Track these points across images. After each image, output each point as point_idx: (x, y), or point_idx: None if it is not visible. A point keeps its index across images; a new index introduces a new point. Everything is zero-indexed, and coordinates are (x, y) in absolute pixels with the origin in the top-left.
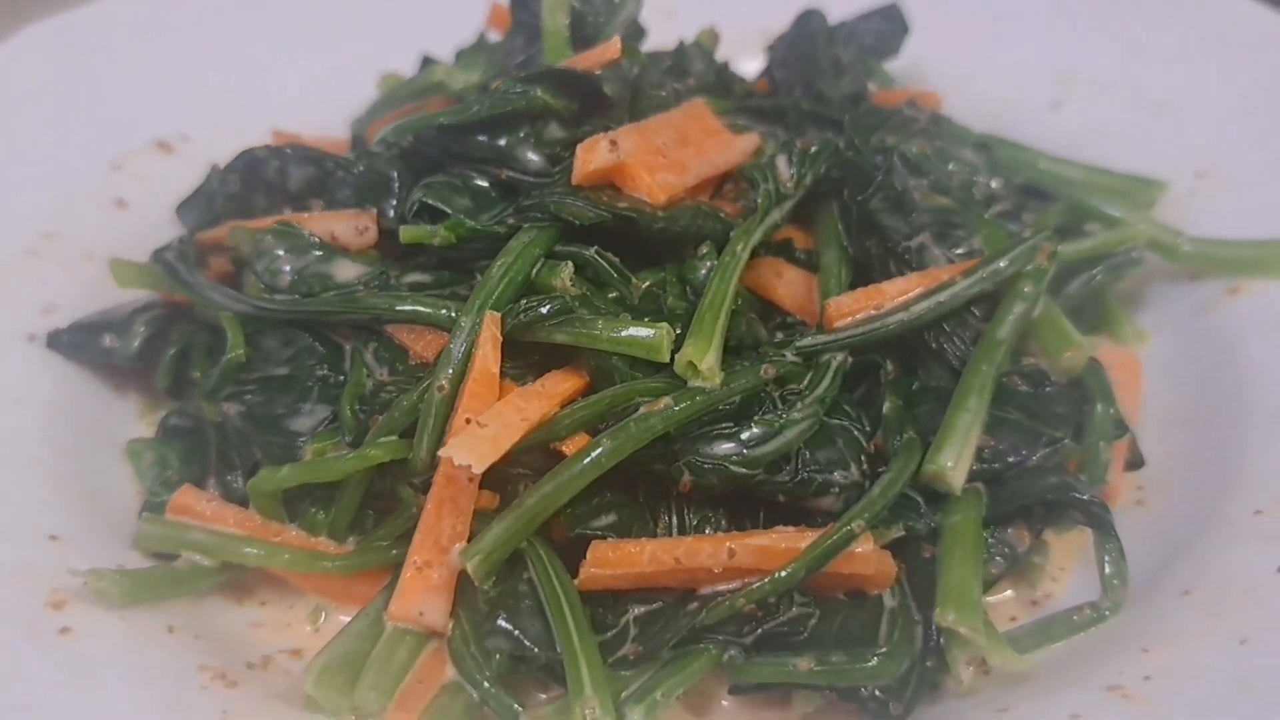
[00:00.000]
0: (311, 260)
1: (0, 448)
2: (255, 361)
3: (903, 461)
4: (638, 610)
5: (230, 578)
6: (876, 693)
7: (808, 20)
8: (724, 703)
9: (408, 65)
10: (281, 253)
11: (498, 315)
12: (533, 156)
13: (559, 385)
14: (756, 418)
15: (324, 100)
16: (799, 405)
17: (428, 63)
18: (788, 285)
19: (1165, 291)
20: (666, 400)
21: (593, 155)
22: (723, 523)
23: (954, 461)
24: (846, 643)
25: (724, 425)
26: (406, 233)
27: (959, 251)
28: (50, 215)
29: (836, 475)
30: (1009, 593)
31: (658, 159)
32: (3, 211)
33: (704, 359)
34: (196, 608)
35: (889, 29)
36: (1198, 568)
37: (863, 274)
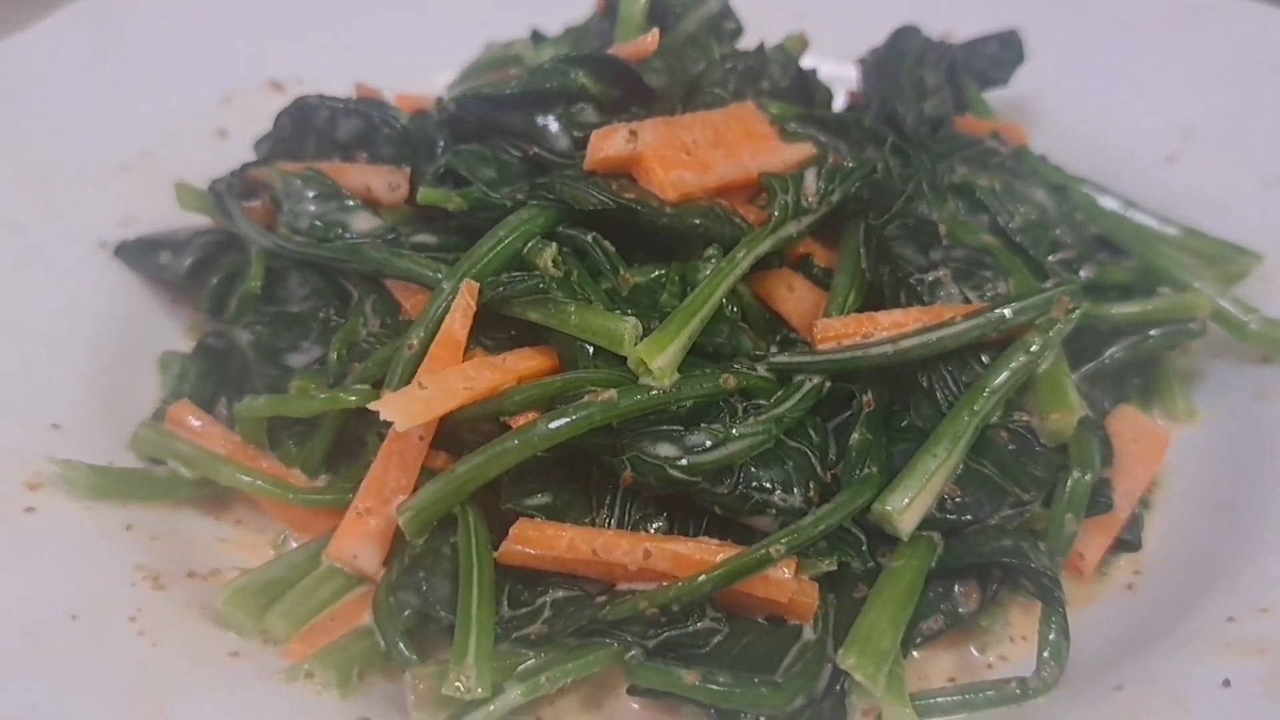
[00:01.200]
0: (333, 208)
1: (37, 338)
2: (279, 296)
3: (850, 495)
4: (557, 594)
5: (212, 493)
6: None
7: (902, 37)
8: (634, 705)
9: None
10: (308, 196)
11: (475, 285)
12: (562, 137)
13: (520, 363)
14: (705, 425)
15: (435, 62)
16: (751, 420)
17: (536, 38)
18: (797, 301)
19: (1230, 371)
20: (611, 393)
21: (607, 143)
22: (661, 524)
23: (905, 504)
24: (744, 665)
25: (673, 427)
26: (424, 194)
27: (982, 293)
28: (152, 136)
29: (776, 496)
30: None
31: (679, 155)
32: (108, 126)
33: (655, 358)
34: (172, 514)
35: (1005, 56)
36: (1143, 664)
37: (877, 301)
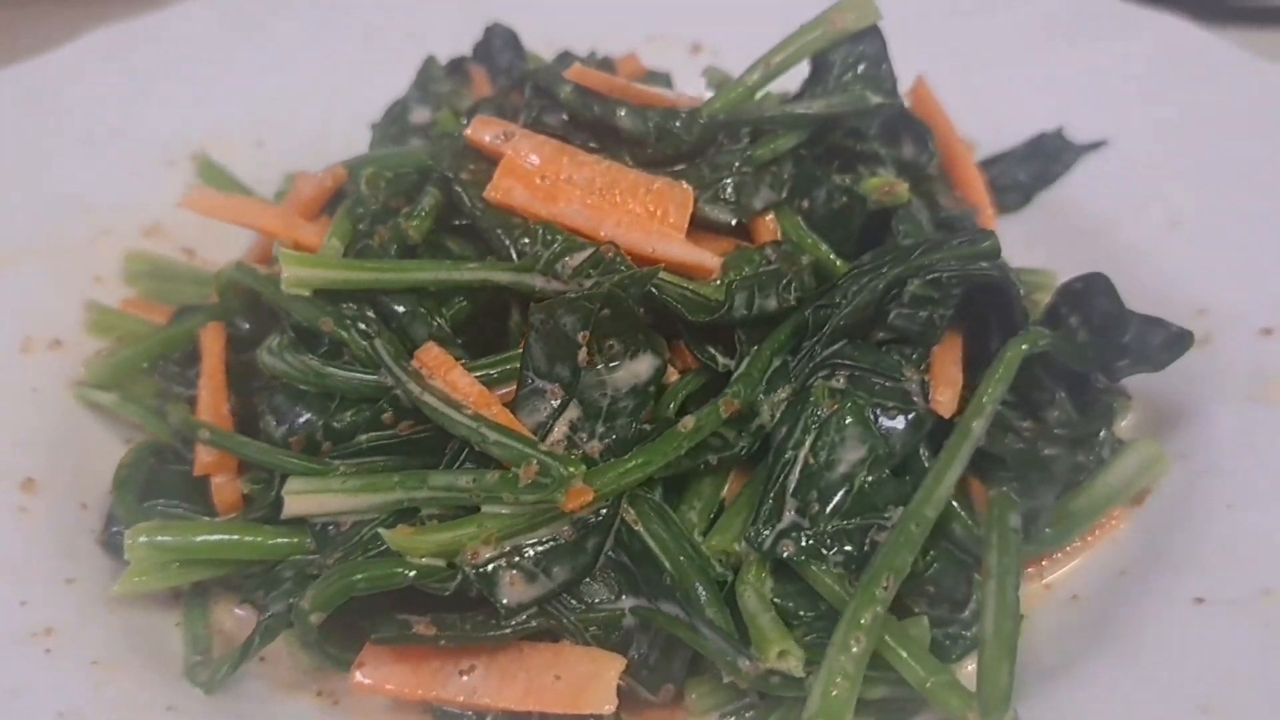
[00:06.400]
0: (415, 95)
1: None
2: None
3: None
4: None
5: None
6: None
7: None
8: None
9: None
10: (416, 83)
11: (342, 173)
12: (528, 119)
13: (300, 230)
14: (282, 340)
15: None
16: (303, 360)
17: None
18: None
19: None
20: (272, 270)
21: (482, 129)
22: None
23: (294, 489)
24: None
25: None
26: (441, 114)
27: (571, 438)
28: None
29: (265, 421)
30: None
31: (531, 175)
32: None
33: (289, 266)
34: None
35: (1154, 355)
36: None
37: None
